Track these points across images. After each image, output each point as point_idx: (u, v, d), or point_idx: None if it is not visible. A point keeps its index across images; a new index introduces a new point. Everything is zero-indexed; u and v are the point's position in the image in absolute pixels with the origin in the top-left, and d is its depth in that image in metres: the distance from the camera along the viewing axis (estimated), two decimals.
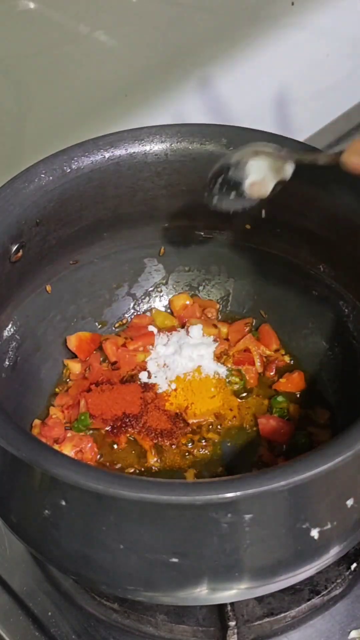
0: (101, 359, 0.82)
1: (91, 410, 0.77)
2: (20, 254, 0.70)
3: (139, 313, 0.87)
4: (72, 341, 0.82)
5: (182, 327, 0.86)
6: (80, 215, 0.76)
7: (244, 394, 0.81)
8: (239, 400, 0.80)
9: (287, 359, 0.83)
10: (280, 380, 0.81)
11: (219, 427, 0.78)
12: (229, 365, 0.82)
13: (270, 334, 0.84)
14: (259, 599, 0.69)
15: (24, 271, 0.72)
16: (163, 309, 0.87)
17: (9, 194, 0.69)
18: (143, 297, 0.87)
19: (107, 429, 0.77)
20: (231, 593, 0.57)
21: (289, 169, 0.69)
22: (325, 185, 0.73)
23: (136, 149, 0.76)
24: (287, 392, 0.80)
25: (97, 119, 0.95)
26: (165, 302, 0.87)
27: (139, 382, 0.80)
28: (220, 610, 0.68)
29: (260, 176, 0.68)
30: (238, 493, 0.50)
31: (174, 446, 0.76)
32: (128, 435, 0.77)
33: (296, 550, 0.56)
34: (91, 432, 0.77)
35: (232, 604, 0.67)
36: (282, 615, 0.69)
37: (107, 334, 0.85)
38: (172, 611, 0.69)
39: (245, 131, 0.76)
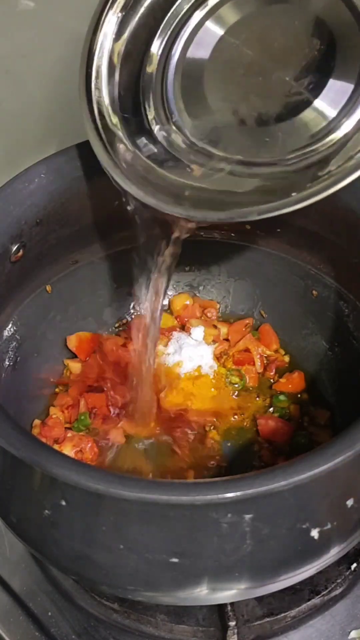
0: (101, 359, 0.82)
1: (91, 410, 0.77)
2: (20, 254, 0.70)
3: (139, 313, 0.87)
4: (72, 341, 0.82)
5: (182, 327, 0.86)
6: (80, 215, 0.76)
7: (244, 394, 0.81)
8: (239, 400, 0.80)
9: (287, 359, 0.83)
10: (280, 380, 0.81)
11: (219, 427, 0.78)
12: (229, 365, 0.82)
13: (270, 334, 0.84)
14: (259, 599, 0.69)
15: (24, 271, 0.72)
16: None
17: (9, 194, 0.69)
18: (143, 297, 0.87)
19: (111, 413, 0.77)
20: (231, 593, 0.57)
21: None
22: None
23: None
24: (287, 392, 0.80)
25: None
26: (165, 302, 0.87)
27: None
28: (220, 610, 0.68)
29: None
30: (238, 493, 0.50)
31: (174, 446, 0.76)
32: (127, 434, 0.77)
33: (296, 550, 0.56)
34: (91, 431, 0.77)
35: (232, 604, 0.67)
36: (282, 615, 0.69)
37: (107, 334, 0.85)
38: (172, 611, 0.69)
39: None
